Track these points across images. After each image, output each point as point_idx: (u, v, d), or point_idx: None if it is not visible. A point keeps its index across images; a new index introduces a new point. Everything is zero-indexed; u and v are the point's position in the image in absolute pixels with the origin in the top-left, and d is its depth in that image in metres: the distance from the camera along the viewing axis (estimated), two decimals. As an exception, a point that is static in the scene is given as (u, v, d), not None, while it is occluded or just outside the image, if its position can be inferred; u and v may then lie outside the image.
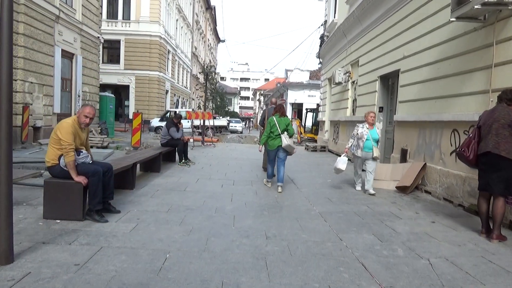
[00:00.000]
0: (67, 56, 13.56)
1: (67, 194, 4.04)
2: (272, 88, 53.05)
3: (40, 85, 11.67)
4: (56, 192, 4.05)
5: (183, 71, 37.93)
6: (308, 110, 24.97)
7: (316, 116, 20.76)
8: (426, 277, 3.01)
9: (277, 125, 6.52)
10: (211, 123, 18.57)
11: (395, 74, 8.50)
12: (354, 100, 11.81)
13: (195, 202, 5.27)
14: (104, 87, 23.55)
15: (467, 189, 5.33)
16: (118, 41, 26.90)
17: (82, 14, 14.24)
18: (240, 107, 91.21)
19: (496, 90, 4.69)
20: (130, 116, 20.81)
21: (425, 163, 6.59)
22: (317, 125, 20.05)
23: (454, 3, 5.10)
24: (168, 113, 23.73)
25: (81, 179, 4.01)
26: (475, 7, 4.70)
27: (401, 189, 6.62)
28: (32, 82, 11.20)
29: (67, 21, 13.08)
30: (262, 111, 19.62)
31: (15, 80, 10.48)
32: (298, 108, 32.55)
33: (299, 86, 32.78)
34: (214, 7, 54.63)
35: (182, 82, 37.93)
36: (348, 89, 12.44)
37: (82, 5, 14.24)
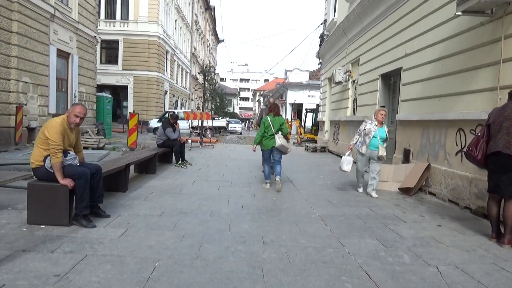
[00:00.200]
0: (63, 55, 13.33)
1: (52, 198, 3.82)
2: (271, 88, 52.85)
3: (35, 85, 11.44)
4: (40, 196, 3.82)
5: (182, 71, 37.71)
6: (308, 110, 24.75)
7: (316, 116, 20.54)
8: (435, 287, 2.78)
9: (271, 125, 6.42)
10: (210, 124, 18.35)
11: (396, 73, 8.28)
12: (355, 100, 11.59)
13: (190, 205, 5.04)
14: (102, 87, 23.36)
15: (474, 190, 5.10)
16: (116, 41, 26.71)
17: (78, 13, 14.01)
18: (240, 108, 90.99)
19: (505, 87, 4.48)
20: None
21: (429, 164, 6.36)
22: (317, 125, 19.84)
23: (460, -4, 4.89)
24: (167, 114, 23.51)
25: (67, 182, 3.78)
26: (483, 0, 4.48)
27: (404, 191, 6.39)
28: (26, 82, 10.97)
29: (63, 20, 12.85)
30: (259, 111, 19.42)
31: (9, 80, 10.27)
32: (297, 109, 32.38)
33: (299, 86, 32.59)
34: (214, 8, 54.46)
35: (181, 83, 37.72)
36: (349, 89, 12.22)
37: (78, 4, 14.01)
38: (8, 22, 10.15)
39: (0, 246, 3.16)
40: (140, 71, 26.68)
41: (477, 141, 4.02)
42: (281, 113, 6.95)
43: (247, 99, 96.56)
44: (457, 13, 5.09)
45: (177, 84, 34.99)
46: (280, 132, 6.44)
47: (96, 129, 14.69)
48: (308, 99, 31.40)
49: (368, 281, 2.85)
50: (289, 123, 22.47)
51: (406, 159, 7.34)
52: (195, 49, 43.55)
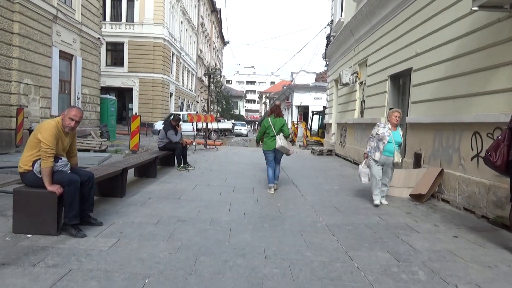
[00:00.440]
0: (66, 57, 13.20)
1: (40, 206, 3.57)
2: (278, 91, 52.59)
3: (37, 87, 11.30)
4: (27, 203, 3.58)
5: (188, 73, 37.61)
6: (314, 112, 24.45)
7: (323, 118, 20.22)
8: (457, 311, 2.48)
9: (272, 126, 6.36)
10: (215, 126, 18.11)
11: (406, 73, 7.95)
12: (362, 102, 11.26)
13: (188, 212, 4.77)
14: (107, 90, 23.28)
15: (492, 198, 4.76)
16: (122, 44, 26.66)
17: (81, 14, 13.88)
18: (246, 110, 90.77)
19: (527, 87, 4.15)
20: (133, 119, 20.39)
21: (442, 169, 6.02)
22: (323, 128, 19.50)
23: (476, -10, 4.57)
24: (172, 116, 23.37)
25: (55, 188, 3.53)
26: (502, -7, 4.17)
27: (416, 197, 6.05)
28: (28, 84, 10.83)
29: (66, 21, 12.72)
30: (265, 114, 19.19)
31: (10, 82, 10.12)
32: (304, 111, 32.02)
33: (305, 88, 32.22)
34: (220, 10, 54.40)
35: (187, 85, 37.61)
36: (356, 90, 11.89)
37: (82, 5, 13.89)
38: (10, 23, 10.02)
39: (-22, 259, 2.92)
40: (146, 73, 26.59)
41: (497, 145, 3.70)
42: (282, 115, 6.82)
43: (253, 101, 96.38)
44: (473, 8, 4.76)
45: (182, 86, 34.87)
46: (281, 134, 6.37)
47: (100, 131, 14.54)
48: (314, 101, 31.05)
49: (381, 302, 2.55)
50: (295, 126, 22.18)
51: (417, 163, 7.00)
52: (201, 51, 43.46)
